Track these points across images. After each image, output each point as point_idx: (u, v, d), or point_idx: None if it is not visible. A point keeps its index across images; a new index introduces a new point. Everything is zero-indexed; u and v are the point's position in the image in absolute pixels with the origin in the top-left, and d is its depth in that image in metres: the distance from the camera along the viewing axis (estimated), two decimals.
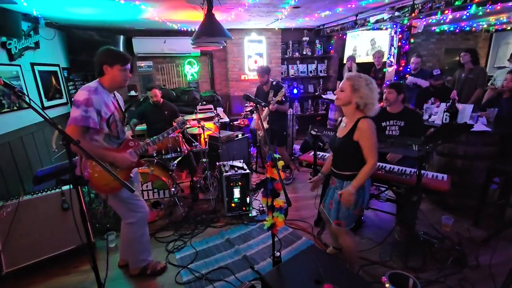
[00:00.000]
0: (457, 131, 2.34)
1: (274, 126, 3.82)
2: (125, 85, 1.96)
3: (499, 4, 3.10)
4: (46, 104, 3.80)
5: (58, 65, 4.22)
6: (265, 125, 3.80)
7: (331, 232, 2.29)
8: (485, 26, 6.20)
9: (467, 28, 6.33)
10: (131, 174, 2.02)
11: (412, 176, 2.23)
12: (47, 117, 1.29)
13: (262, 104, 1.85)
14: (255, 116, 5.00)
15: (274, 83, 3.82)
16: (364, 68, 4.94)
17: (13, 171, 3.01)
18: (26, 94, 1.38)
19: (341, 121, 2.01)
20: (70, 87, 4.52)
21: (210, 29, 2.71)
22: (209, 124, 3.80)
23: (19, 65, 3.27)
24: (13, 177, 3.00)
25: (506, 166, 2.61)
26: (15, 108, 3.10)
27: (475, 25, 5.98)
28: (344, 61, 6.32)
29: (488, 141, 2.78)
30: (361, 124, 1.74)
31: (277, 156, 1.69)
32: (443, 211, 2.98)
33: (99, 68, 1.82)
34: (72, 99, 1.86)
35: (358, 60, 5.68)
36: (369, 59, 5.64)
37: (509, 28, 6.40)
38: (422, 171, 2.08)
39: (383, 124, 2.69)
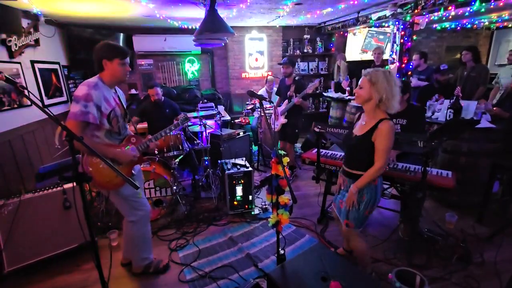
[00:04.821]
0: (465, 126, 2.32)
1: (289, 122, 3.75)
2: (125, 80, 1.94)
3: (502, 0, 3.09)
4: (47, 102, 3.77)
5: (58, 63, 4.19)
6: (283, 120, 3.75)
7: (342, 233, 2.25)
8: (486, 23, 6.17)
9: (468, 26, 6.30)
10: (133, 171, 2.00)
11: (417, 173, 2.21)
12: (49, 113, 1.26)
13: (267, 99, 1.83)
14: (256, 114, 4.97)
15: (296, 78, 3.77)
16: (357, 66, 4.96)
17: (13, 169, 2.98)
18: (28, 90, 1.35)
19: (358, 117, 1.93)
20: (70, 85, 4.50)
21: (213, 25, 2.69)
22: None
23: (19, 63, 3.24)
24: (14, 175, 2.98)
25: (510, 162, 2.60)
26: (16, 106, 3.07)
27: (476, 22, 5.95)
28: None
29: (492, 137, 2.77)
30: (382, 125, 1.67)
31: (282, 152, 1.67)
32: (446, 209, 2.96)
33: (98, 63, 1.80)
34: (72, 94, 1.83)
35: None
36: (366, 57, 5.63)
37: (510, 25, 6.38)
38: (426, 168, 2.06)
39: None
